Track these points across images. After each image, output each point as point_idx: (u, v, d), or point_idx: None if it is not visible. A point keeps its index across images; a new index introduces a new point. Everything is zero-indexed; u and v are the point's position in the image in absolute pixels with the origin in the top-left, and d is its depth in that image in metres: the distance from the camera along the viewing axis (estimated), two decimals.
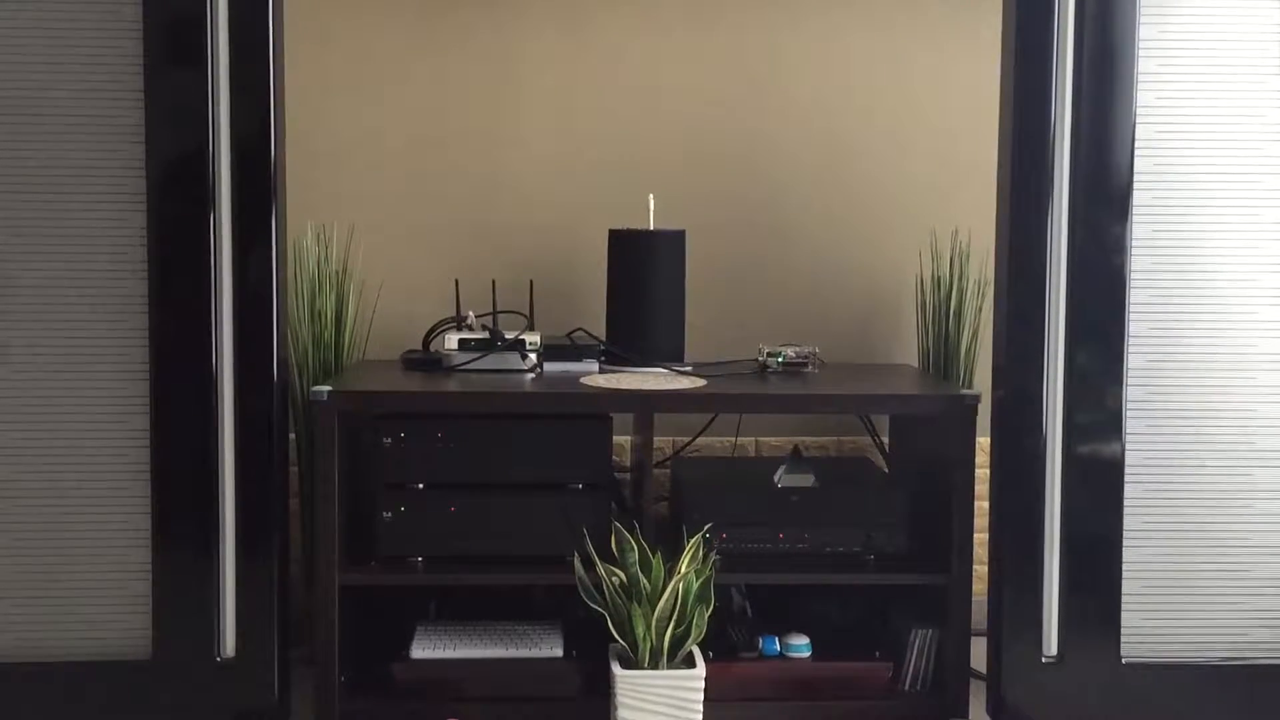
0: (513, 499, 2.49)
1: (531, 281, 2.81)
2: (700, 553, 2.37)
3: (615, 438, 2.59)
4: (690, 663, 2.36)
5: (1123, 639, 2.39)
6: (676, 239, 2.77)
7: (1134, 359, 2.38)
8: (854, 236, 2.99)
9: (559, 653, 2.50)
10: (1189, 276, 2.38)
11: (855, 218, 2.99)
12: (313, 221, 2.79)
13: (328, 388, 2.42)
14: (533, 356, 2.67)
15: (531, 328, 2.74)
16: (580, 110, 2.96)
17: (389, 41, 2.93)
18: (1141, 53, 2.34)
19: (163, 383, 2.32)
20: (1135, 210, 2.36)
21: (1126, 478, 2.38)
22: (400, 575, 2.47)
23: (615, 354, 2.73)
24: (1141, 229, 2.36)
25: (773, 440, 2.99)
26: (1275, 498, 2.40)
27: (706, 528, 2.44)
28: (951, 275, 2.83)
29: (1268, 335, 2.39)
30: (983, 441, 2.51)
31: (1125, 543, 2.39)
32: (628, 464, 2.87)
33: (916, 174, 2.99)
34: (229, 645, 2.36)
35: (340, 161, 2.93)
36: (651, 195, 2.77)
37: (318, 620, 2.42)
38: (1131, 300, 2.36)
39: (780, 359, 2.72)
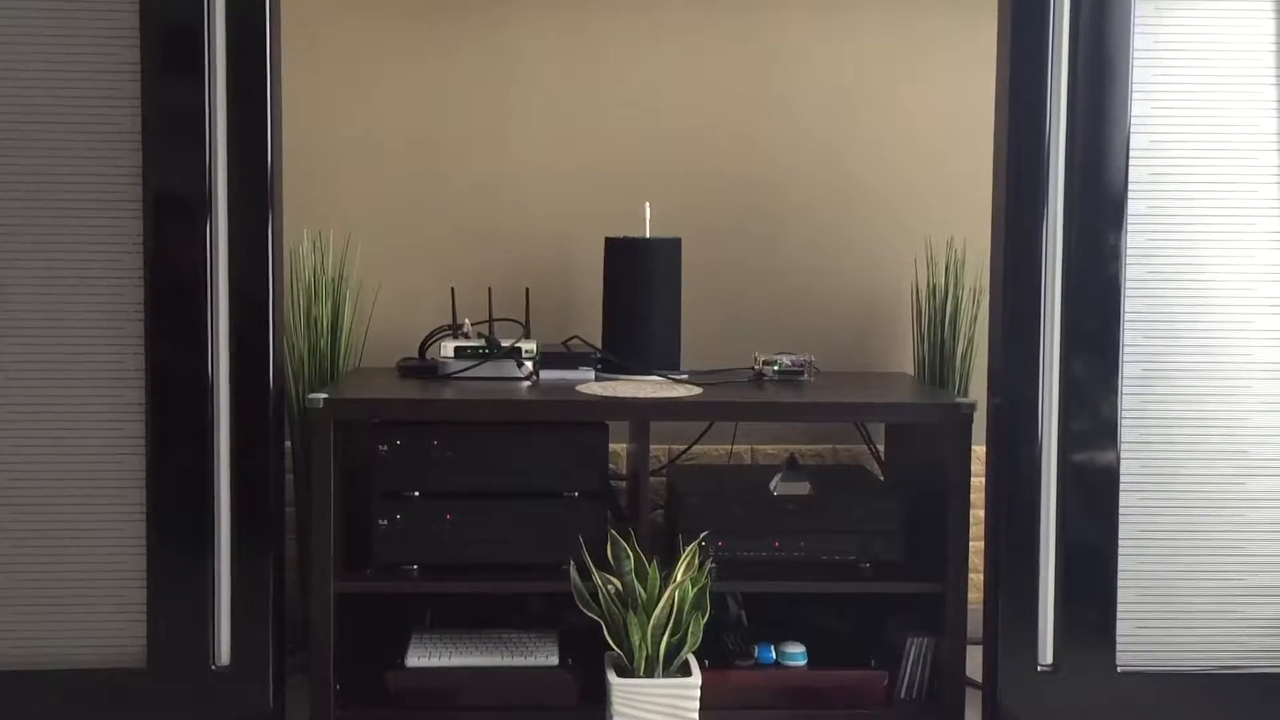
0: (509, 507, 2.49)
1: (528, 289, 2.81)
2: (696, 561, 2.37)
3: (611, 446, 2.59)
4: (686, 671, 2.36)
5: (1118, 647, 2.39)
6: (672, 247, 2.77)
7: (1129, 368, 2.38)
8: (850, 245, 3.00)
9: (555, 661, 2.50)
10: (1184, 285, 2.38)
11: (851, 226, 3.00)
12: (309, 228, 2.80)
13: (323, 395, 2.42)
14: (529, 364, 2.67)
15: (528, 335, 2.74)
16: (577, 118, 2.97)
17: (386, 48, 2.93)
18: (1136, 62, 2.35)
19: (158, 389, 2.31)
20: (1130, 219, 2.36)
21: (1122, 486, 2.38)
22: (396, 583, 2.47)
23: (611, 362, 2.73)
24: (1136, 238, 2.37)
25: (768, 448, 2.99)
26: (1270, 506, 2.41)
27: (702, 536, 2.44)
28: (947, 283, 2.84)
29: (1263, 344, 2.40)
30: (978, 450, 2.51)
31: (1121, 551, 2.39)
32: (624, 472, 2.87)
33: (912, 182, 2.99)
34: (224, 653, 2.36)
35: (337, 169, 2.93)
36: (648, 203, 2.77)
37: (313, 628, 2.42)
38: (1126, 309, 2.37)
39: (776, 367, 2.72)
